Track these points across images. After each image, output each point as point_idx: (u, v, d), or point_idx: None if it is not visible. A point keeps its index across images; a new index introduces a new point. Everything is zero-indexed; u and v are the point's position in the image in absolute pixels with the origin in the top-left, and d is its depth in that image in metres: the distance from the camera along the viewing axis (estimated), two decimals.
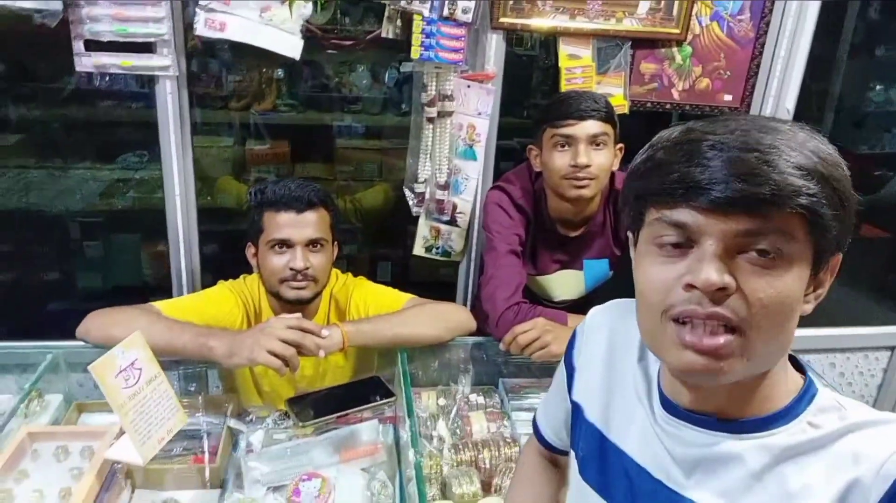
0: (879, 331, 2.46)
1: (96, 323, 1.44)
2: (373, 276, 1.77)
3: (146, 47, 1.75)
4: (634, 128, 2.03)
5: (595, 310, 0.91)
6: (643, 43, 1.95)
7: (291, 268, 1.52)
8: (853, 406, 0.68)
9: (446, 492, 1.28)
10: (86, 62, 1.73)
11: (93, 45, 1.72)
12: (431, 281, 2.38)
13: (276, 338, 1.34)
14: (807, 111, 2.39)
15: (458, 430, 1.43)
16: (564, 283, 1.74)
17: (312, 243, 1.54)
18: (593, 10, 1.87)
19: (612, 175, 1.65)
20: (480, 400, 1.53)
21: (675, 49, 1.96)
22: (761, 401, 0.68)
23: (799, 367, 0.73)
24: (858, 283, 2.75)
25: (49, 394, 1.44)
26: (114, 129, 2.66)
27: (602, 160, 1.55)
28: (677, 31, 1.92)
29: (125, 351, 1.12)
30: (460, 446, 1.36)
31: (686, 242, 0.63)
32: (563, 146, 1.56)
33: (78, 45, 1.71)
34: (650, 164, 0.67)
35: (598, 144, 1.55)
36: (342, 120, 2.91)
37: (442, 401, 1.52)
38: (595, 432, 0.83)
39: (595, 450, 0.82)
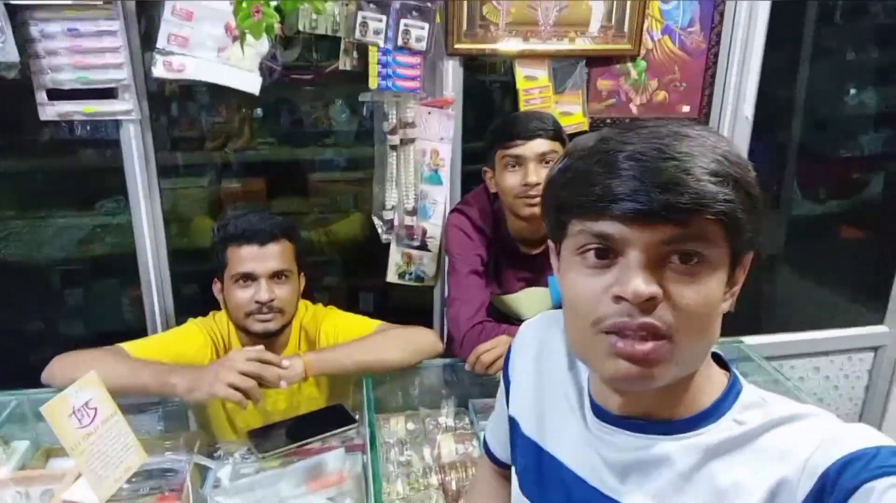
0: (862, 331, 2.46)
1: (59, 366, 1.45)
2: (354, 306, 1.78)
3: (109, 93, 1.79)
4: None
5: (525, 324, 0.91)
6: (598, 60, 1.99)
7: (257, 301, 1.53)
8: (776, 400, 0.69)
9: None
10: (49, 111, 1.76)
11: (56, 94, 1.76)
12: (412, 307, 2.38)
13: (235, 370, 1.34)
14: (771, 117, 2.42)
15: (427, 455, 1.43)
16: (531, 301, 1.75)
17: (277, 275, 1.55)
18: (546, 31, 1.91)
19: None
20: (450, 422, 1.52)
21: (629, 64, 2.00)
22: (688, 402, 0.69)
23: (724, 365, 0.73)
24: (839, 286, 2.75)
25: (16, 441, 1.43)
26: (91, 176, 2.68)
27: None
28: (630, 46, 1.96)
29: (78, 391, 1.12)
30: (429, 470, 1.36)
31: (611, 253, 0.64)
32: (513, 166, 1.59)
33: (41, 95, 1.75)
34: (569, 174, 0.67)
35: (547, 162, 1.57)
36: (315, 154, 2.94)
37: (411, 426, 1.51)
38: (531, 445, 0.83)
39: (532, 463, 0.82)
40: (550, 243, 0.74)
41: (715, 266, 0.63)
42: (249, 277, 1.54)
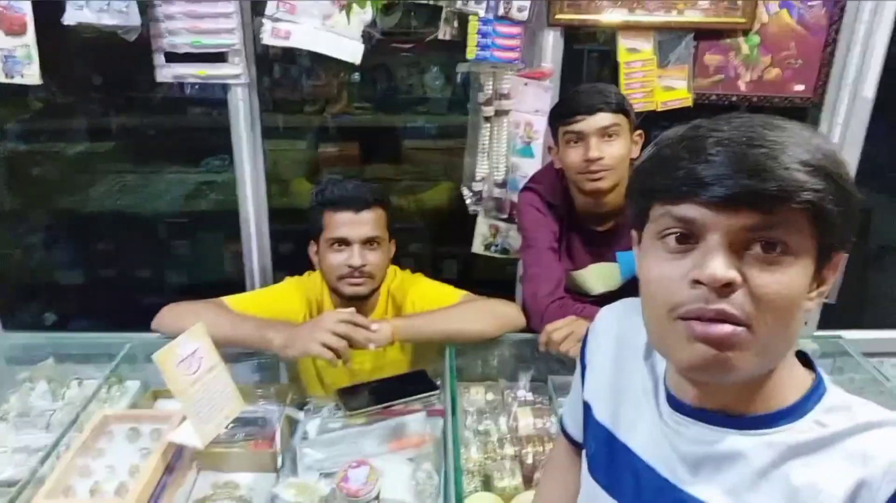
0: None
1: (168, 316, 1.56)
2: (438, 274, 1.81)
3: (220, 57, 1.87)
4: None
5: (605, 310, 0.91)
6: (707, 34, 1.90)
7: (349, 266, 1.58)
8: (862, 405, 0.67)
9: (489, 485, 1.30)
10: (165, 73, 1.87)
11: (172, 57, 1.85)
12: (496, 278, 2.40)
13: (328, 331, 1.40)
14: (891, 95, 2.24)
15: (505, 425, 1.45)
16: (600, 276, 1.73)
17: (369, 241, 1.60)
18: (653, 2, 1.84)
19: None
20: (529, 396, 1.54)
21: (741, 39, 1.90)
22: (767, 398, 0.68)
23: (809, 365, 0.71)
24: None
25: (129, 381, 1.57)
26: (199, 134, 2.83)
27: (615, 151, 1.55)
28: (743, 20, 1.86)
29: (187, 341, 1.20)
30: (505, 440, 1.38)
31: (691, 238, 0.63)
32: (575, 142, 1.57)
33: (158, 57, 1.85)
34: (655, 160, 0.67)
35: (609, 136, 1.55)
36: (409, 121, 2.97)
37: (490, 396, 1.54)
38: (603, 431, 0.83)
39: (603, 449, 0.83)
40: (633, 233, 0.74)
41: (798, 257, 0.61)
42: (343, 242, 1.59)
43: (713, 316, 0.61)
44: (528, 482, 1.30)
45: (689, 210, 0.62)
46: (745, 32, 1.89)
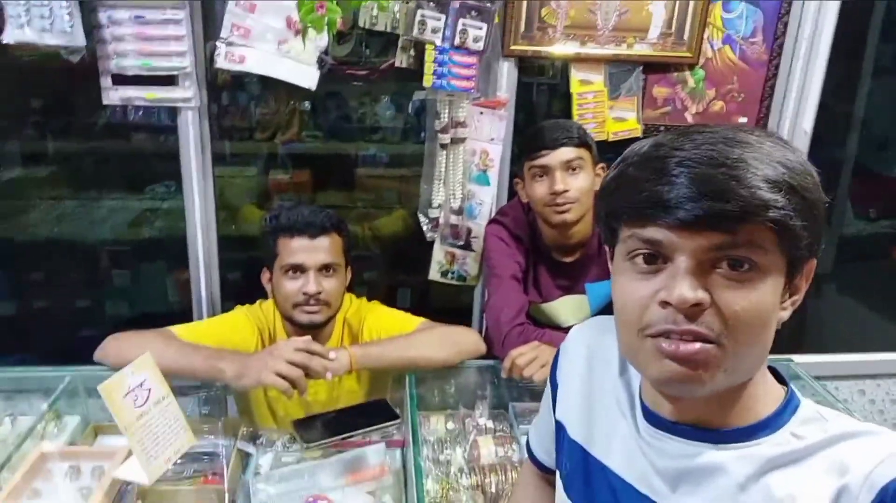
0: None
1: (113, 346, 1.48)
2: (392, 302, 1.79)
3: (170, 80, 1.83)
4: None
5: (575, 329, 0.91)
6: (655, 67, 1.96)
7: (304, 293, 1.55)
8: (835, 417, 0.68)
9: None
10: (112, 95, 1.80)
11: (119, 79, 1.80)
12: (451, 306, 2.39)
13: (283, 360, 1.36)
14: (828, 132, 2.36)
15: (465, 455, 1.43)
16: (569, 309, 1.76)
17: (325, 268, 1.56)
18: (604, 36, 1.90)
19: None
20: (490, 424, 1.52)
21: (687, 72, 1.97)
22: (743, 411, 0.68)
23: (780, 379, 0.72)
24: (888, 308, 2.68)
25: (67, 416, 1.48)
26: (143, 160, 2.74)
27: (580, 183, 1.61)
28: (689, 54, 1.93)
29: (134, 371, 1.14)
30: (467, 470, 1.36)
31: (659, 258, 0.64)
32: (540, 176, 1.63)
33: (105, 80, 1.79)
34: (620, 180, 0.68)
35: (573, 169, 1.60)
36: (362, 149, 2.96)
37: (450, 425, 1.51)
38: (578, 449, 0.83)
39: (578, 467, 0.82)
40: (606, 248, 0.75)
41: (767, 273, 0.62)
42: (299, 269, 1.55)
43: (682, 333, 0.62)
44: None
45: (655, 232, 0.63)
46: (691, 67, 1.96)
